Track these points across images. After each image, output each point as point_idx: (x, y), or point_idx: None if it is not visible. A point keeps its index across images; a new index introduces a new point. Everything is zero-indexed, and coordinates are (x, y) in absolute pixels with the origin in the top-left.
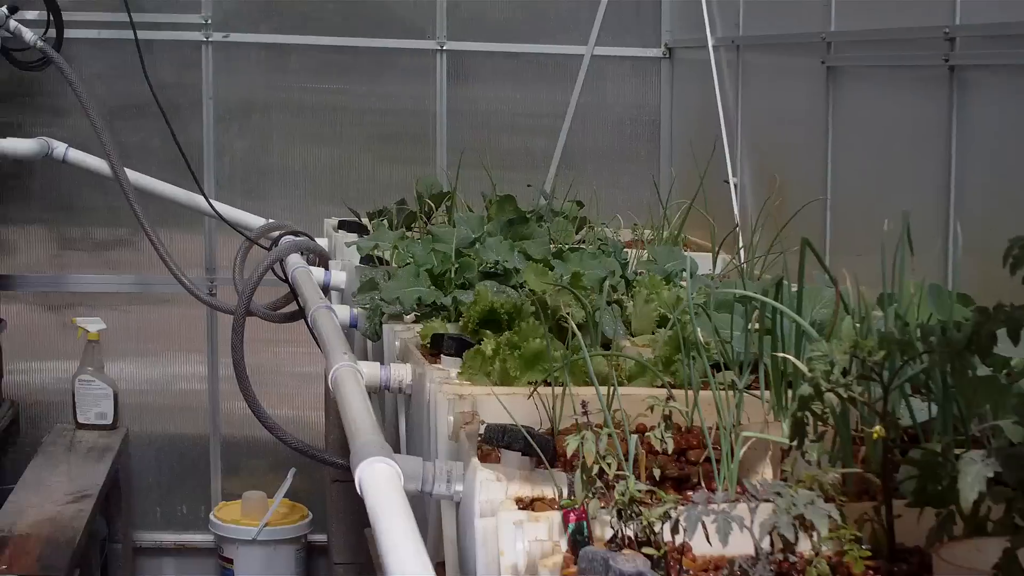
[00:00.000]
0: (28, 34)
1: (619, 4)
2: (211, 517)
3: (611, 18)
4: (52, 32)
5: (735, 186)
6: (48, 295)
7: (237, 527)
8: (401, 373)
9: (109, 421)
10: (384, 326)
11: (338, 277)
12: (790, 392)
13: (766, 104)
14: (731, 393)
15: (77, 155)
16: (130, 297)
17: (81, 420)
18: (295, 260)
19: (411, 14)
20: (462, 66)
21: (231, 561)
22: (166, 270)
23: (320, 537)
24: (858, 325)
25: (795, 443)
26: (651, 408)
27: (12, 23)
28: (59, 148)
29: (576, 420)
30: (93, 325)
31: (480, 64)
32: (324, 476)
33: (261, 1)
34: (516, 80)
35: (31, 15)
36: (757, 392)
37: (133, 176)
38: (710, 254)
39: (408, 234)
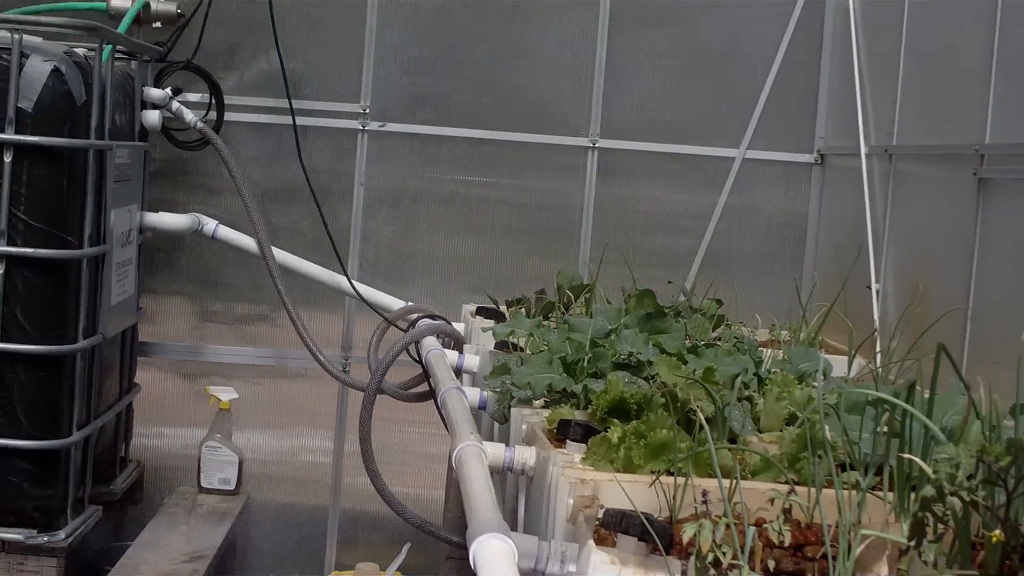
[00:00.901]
0: (189, 115)
1: (774, 109)
2: None
3: (765, 122)
4: (213, 115)
5: (877, 292)
6: (185, 363)
7: None
8: (525, 455)
9: (232, 487)
10: (512, 410)
11: (471, 361)
12: (913, 494)
13: (915, 212)
14: (854, 492)
15: (226, 232)
16: (264, 370)
17: (204, 484)
18: (430, 342)
19: (565, 111)
20: (612, 163)
21: None
22: (302, 345)
23: None
24: (988, 432)
25: (914, 543)
26: (771, 501)
27: (175, 104)
28: (209, 224)
29: (696, 510)
30: (226, 394)
31: (631, 162)
32: (438, 553)
33: (418, 93)
34: (665, 179)
35: (193, 97)
36: (880, 493)
37: (279, 255)
38: (846, 357)
39: (545, 323)
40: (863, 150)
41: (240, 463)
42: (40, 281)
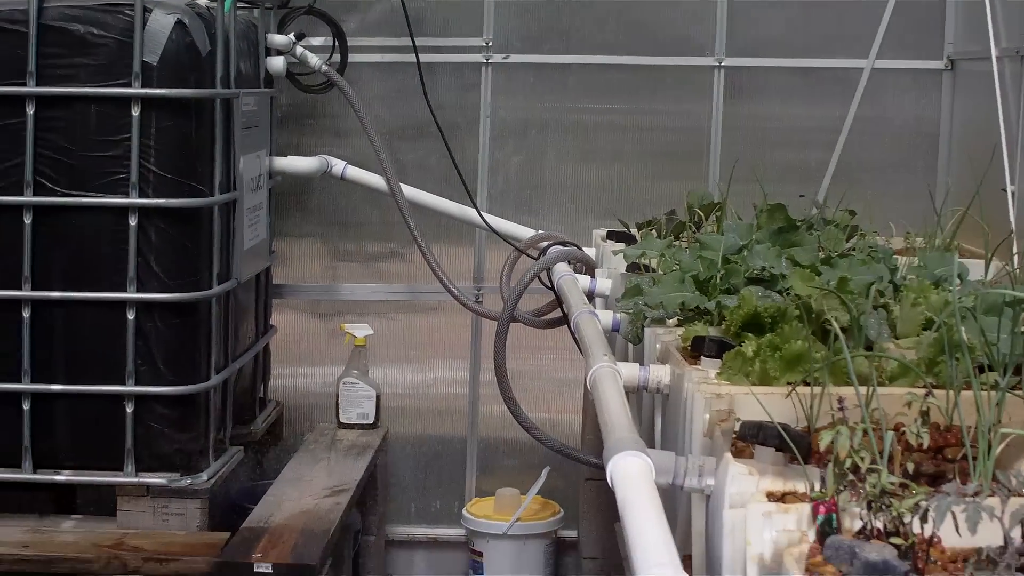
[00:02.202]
0: (313, 59)
1: (902, 17)
2: (464, 512)
3: (893, 31)
4: (336, 57)
5: (1012, 194)
6: (319, 303)
7: (489, 522)
8: (660, 374)
9: (370, 421)
10: (646, 330)
11: (603, 284)
12: None
13: None
14: (993, 393)
15: (355, 172)
16: (398, 305)
17: (343, 420)
18: (562, 268)
19: (690, 31)
20: (739, 82)
21: (481, 555)
22: (435, 280)
23: (570, 533)
24: None
25: None
26: (909, 404)
27: (299, 49)
28: (338, 165)
29: (833, 418)
30: (361, 331)
31: (757, 79)
32: (577, 475)
33: (541, 23)
34: (793, 94)
35: (316, 41)
36: (1020, 393)
37: (408, 191)
38: (983, 261)
39: (676, 243)
40: (994, 53)
41: (378, 397)
42: (173, 230)
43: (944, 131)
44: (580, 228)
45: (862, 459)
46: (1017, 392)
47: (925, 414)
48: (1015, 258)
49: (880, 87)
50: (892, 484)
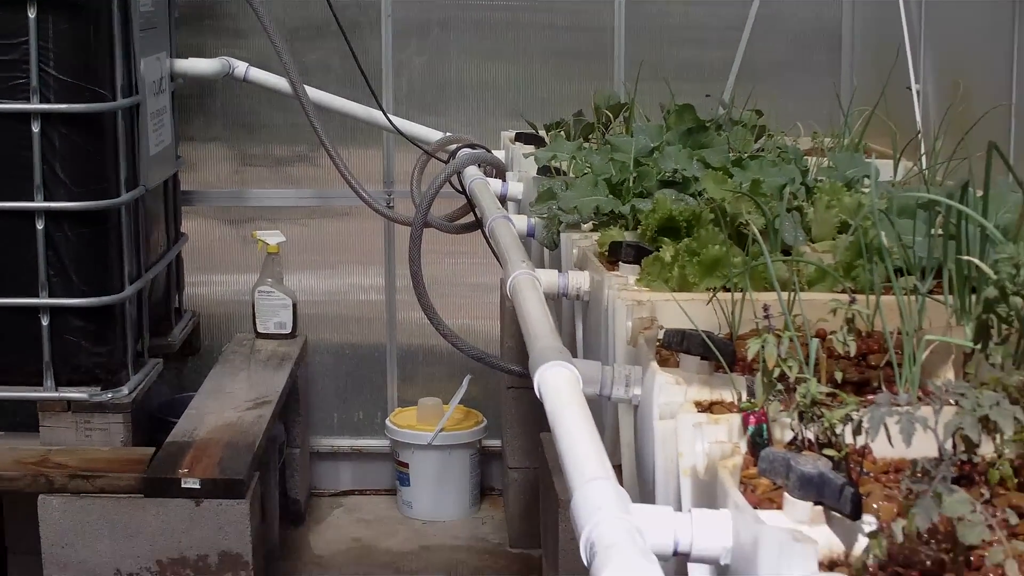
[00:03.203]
0: None
1: None
2: (387, 423)
3: None
4: None
5: (917, 93)
6: (229, 210)
7: (413, 432)
8: (579, 280)
9: (288, 330)
10: (562, 235)
11: (515, 188)
12: (974, 296)
13: (950, 9)
14: (913, 298)
15: (258, 73)
16: (309, 211)
17: (261, 330)
18: (472, 172)
19: None
20: None
21: (406, 465)
22: (345, 184)
23: (494, 442)
24: None
25: (979, 346)
26: (833, 312)
27: None
28: (240, 67)
29: (757, 325)
30: (273, 238)
31: None
32: (499, 383)
33: None
34: None
35: None
36: (940, 297)
37: (313, 93)
38: (891, 161)
39: (586, 145)
40: None
41: (294, 306)
42: (76, 136)
43: (846, 27)
44: (488, 129)
45: (790, 368)
46: (937, 296)
47: (850, 321)
48: (923, 158)
49: None
50: (821, 394)
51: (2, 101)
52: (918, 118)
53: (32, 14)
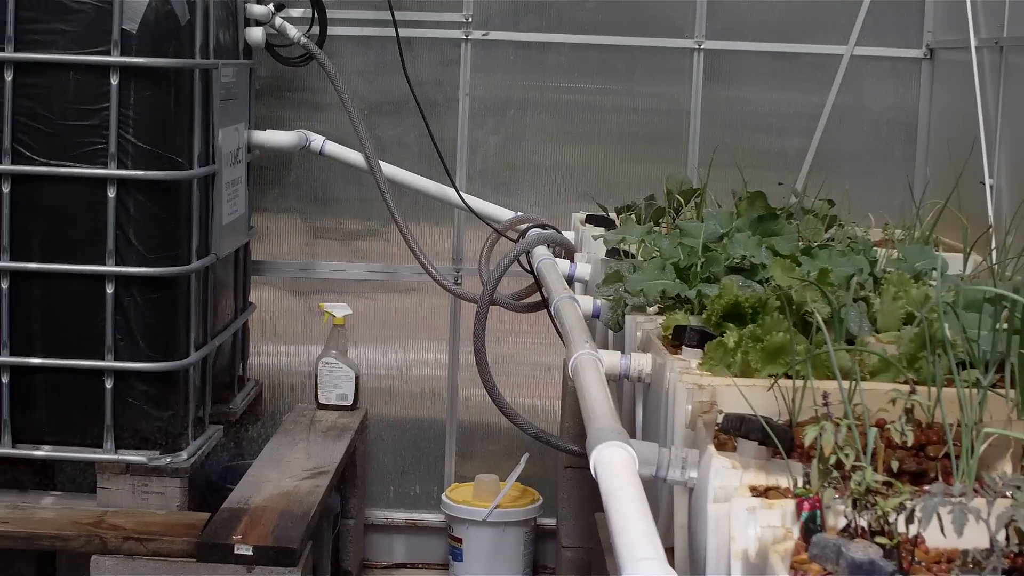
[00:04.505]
0: (292, 31)
1: (881, 4)
2: (443, 498)
3: (872, 18)
4: (316, 29)
5: (991, 188)
6: (298, 281)
7: (468, 508)
8: (641, 362)
9: (349, 402)
10: (627, 317)
11: (583, 269)
12: None
13: None
14: (974, 390)
15: (334, 148)
16: (377, 285)
17: (322, 401)
18: (541, 252)
19: (670, 13)
20: (718, 65)
21: (460, 541)
22: (414, 259)
23: (549, 521)
24: None
25: None
26: (892, 402)
27: (277, 20)
28: (316, 141)
29: (816, 412)
30: (340, 310)
31: (736, 63)
32: (556, 462)
33: (521, 1)
34: (772, 80)
35: (296, 12)
36: (1002, 391)
37: (387, 169)
38: (961, 255)
39: (656, 229)
40: (973, 43)
41: (356, 378)
42: (151, 203)
43: (923, 121)
44: (559, 210)
45: (846, 456)
46: (999, 390)
47: (909, 411)
48: (993, 253)
49: (859, 74)
50: (876, 482)
51: (80, 165)
52: (990, 213)
53: (115, 80)
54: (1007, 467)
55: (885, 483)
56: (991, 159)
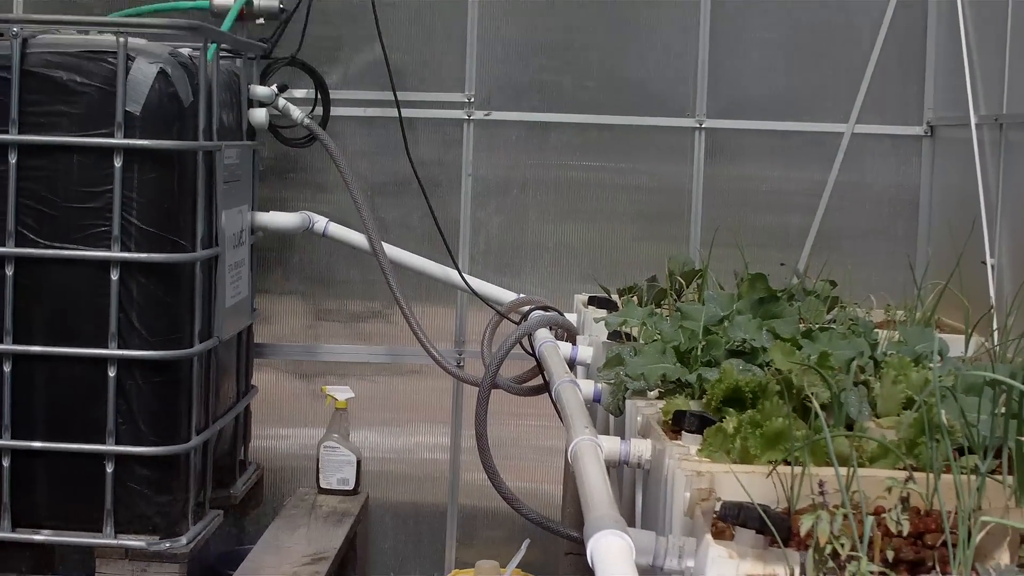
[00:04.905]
0: (295, 112)
1: (881, 81)
2: None
3: (873, 95)
4: (319, 110)
5: (992, 267)
6: (300, 363)
7: None
8: (641, 448)
9: (351, 487)
10: (627, 401)
11: (584, 352)
12: None
13: None
14: (973, 477)
15: (337, 229)
16: (379, 367)
17: (323, 485)
18: (543, 335)
19: (671, 92)
20: (720, 143)
21: None
22: (416, 342)
23: None
24: None
25: None
26: (889, 490)
27: (281, 101)
28: (320, 222)
29: (813, 500)
30: (342, 394)
31: (738, 141)
32: (558, 548)
33: (523, 81)
34: (774, 157)
35: (299, 93)
36: (1000, 477)
37: (390, 250)
38: (963, 336)
39: (657, 311)
40: (973, 120)
41: (358, 462)
42: (154, 285)
43: (924, 198)
44: (562, 291)
45: (842, 545)
46: (997, 476)
47: (905, 500)
48: (995, 334)
49: (860, 152)
50: (872, 572)
51: (83, 248)
52: (992, 293)
53: (118, 163)
54: (1004, 556)
55: (881, 573)
56: (992, 238)
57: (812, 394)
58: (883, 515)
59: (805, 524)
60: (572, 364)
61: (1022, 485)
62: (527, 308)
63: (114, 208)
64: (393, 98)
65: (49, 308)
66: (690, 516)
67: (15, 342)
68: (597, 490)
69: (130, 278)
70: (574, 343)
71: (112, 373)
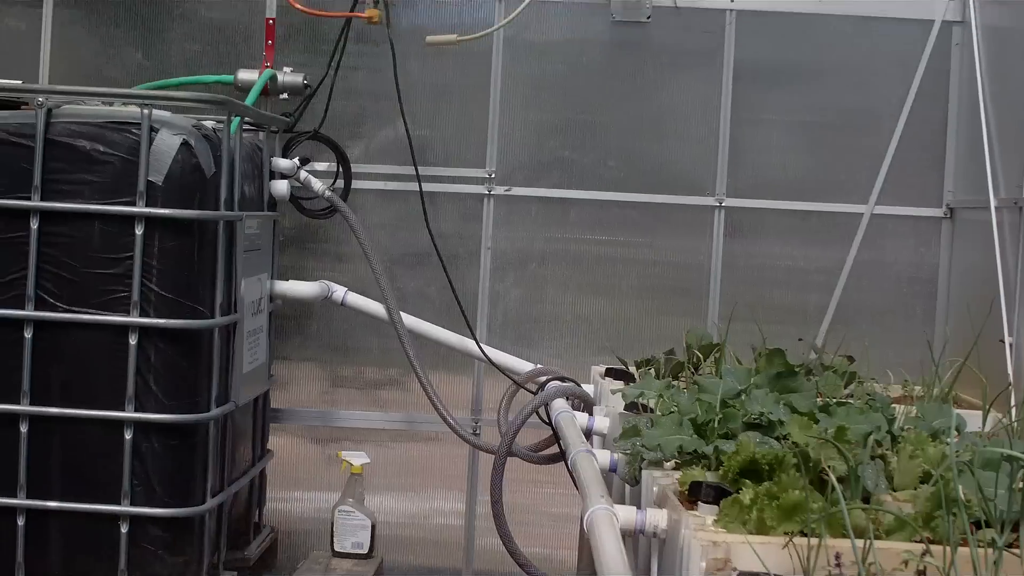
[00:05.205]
0: (317, 184)
1: (902, 164)
2: None
3: (893, 178)
4: (340, 183)
5: (1011, 346)
6: (316, 429)
7: None
8: (657, 518)
9: (365, 551)
10: (644, 472)
11: (601, 423)
12: None
13: None
14: (990, 551)
15: (355, 299)
16: (395, 433)
17: (338, 548)
18: (560, 404)
19: (691, 171)
20: (739, 222)
21: None
22: (432, 409)
23: None
24: None
25: None
26: (906, 563)
27: (303, 174)
28: (338, 292)
29: (829, 572)
30: (358, 459)
31: (757, 220)
32: None
33: (543, 158)
34: (793, 236)
35: (321, 166)
36: (1017, 551)
37: (408, 320)
38: (980, 412)
39: (674, 383)
40: (992, 203)
41: (373, 527)
42: (172, 351)
43: (943, 278)
44: (579, 363)
45: None
46: (1014, 550)
47: (922, 573)
48: (1013, 410)
49: (880, 232)
50: None
51: (102, 313)
52: (1010, 370)
53: (139, 230)
54: None
55: None
56: (1011, 317)
57: (829, 467)
58: None
59: None
60: (588, 434)
61: None
62: (544, 378)
63: (134, 275)
64: (415, 173)
65: (66, 371)
66: None
67: (32, 403)
68: (613, 559)
69: (148, 343)
70: (591, 414)
71: (128, 435)
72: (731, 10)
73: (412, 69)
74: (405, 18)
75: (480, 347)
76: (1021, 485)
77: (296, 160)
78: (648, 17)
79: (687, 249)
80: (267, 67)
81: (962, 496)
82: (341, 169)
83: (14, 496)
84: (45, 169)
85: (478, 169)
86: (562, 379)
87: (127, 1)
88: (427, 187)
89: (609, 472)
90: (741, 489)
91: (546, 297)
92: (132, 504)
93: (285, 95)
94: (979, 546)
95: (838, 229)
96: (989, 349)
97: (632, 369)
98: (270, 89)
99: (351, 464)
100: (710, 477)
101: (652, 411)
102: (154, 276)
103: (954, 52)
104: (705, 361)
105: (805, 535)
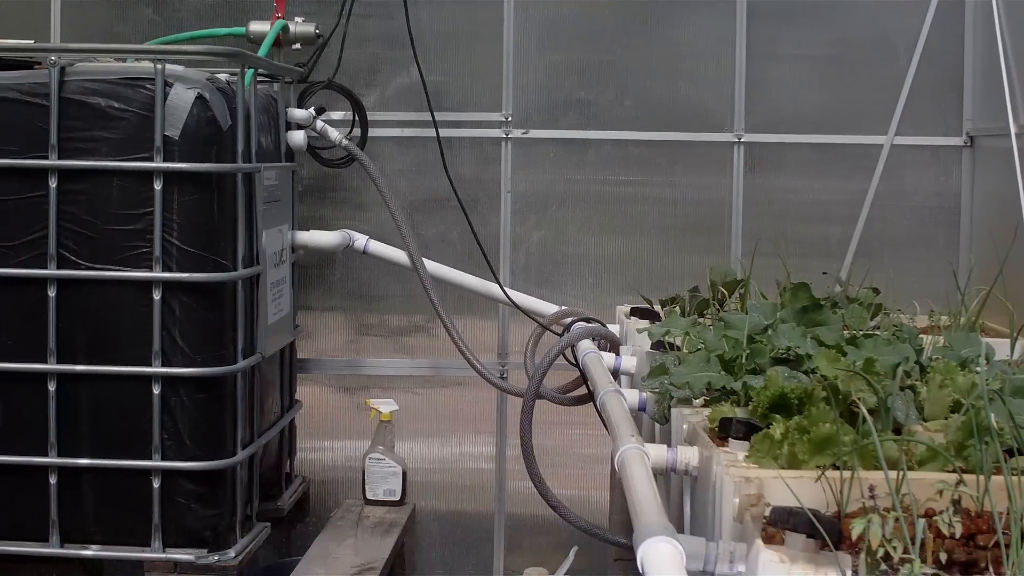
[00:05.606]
0: (333, 134)
1: (920, 94)
2: None
3: (912, 107)
4: (357, 131)
5: None
6: (344, 378)
7: None
8: (688, 455)
9: (397, 498)
10: (672, 410)
11: (628, 362)
12: None
13: None
14: (1023, 478)
15: (377, 246)
16: (423, 380)
17: (369, 496)
18: (586, 345)
19: (708, 108)
20: (759, 157)
21: None
22: (459, 354)
23: None
24: None
25: None
26: (940, 493)
27: (319, 123)
28: (360, 240)
29: (863, 504)
30: (386, 406)
31: (776, 155)
32: (606, 555)
33: (560, 99)
34: (813, 170)
35: (336, 115)
36: None
37: (431, 266)
38: (1008, 340)
39: (700, 321)
40: (1012, 130)
41: (404, 473)
42: (197, 305)
43: (965, 207)
44: (603, 303)
45: (894, 548)
46: None
47: (956, 502)
48: None
49: (900, 163)
50: (926, 574)
51: (125, 269)
52: None
53: (158, 186)
54: None
55: (934, 575)
56: None
57: (859, 399)
58: (934, 517)
59: (857, 528)
60: (616, 374)
61: None
62: (569, 320)
63: (155, 230)
64: (431, 119)
65: (92, 328)
66: (739, 522)
67: (59, 361)
68: (645, 497)
69: (172, 297)
70: (617, 354)
71: (156, 390)
72: None
73: (423, 16)
74: None
75: (504, 291)
76: None
77: (312, 110)
78: None
79: (708, 186)
80: (278, 18)
81: (994, 424)
82: (357, 117)
83: (45, 455)
84: (61, 128)
85: (494, 113)
86: (587, 320)
87: None
88: (444, 132)
89: (638, 411)
90: (771, 424)
91: (568, 239)
92: (163, 459)
93: (298, 45)
94: (1013, 474)
95: (858, 160)
96: (1015, 276)
97: (657, 308)
98: (282, 40)
99: (380, 412)
100: (739, 413)
101: (679, 349)
102: (175, 231)
103: None
104: (730, 297)
105: (837, 468)
